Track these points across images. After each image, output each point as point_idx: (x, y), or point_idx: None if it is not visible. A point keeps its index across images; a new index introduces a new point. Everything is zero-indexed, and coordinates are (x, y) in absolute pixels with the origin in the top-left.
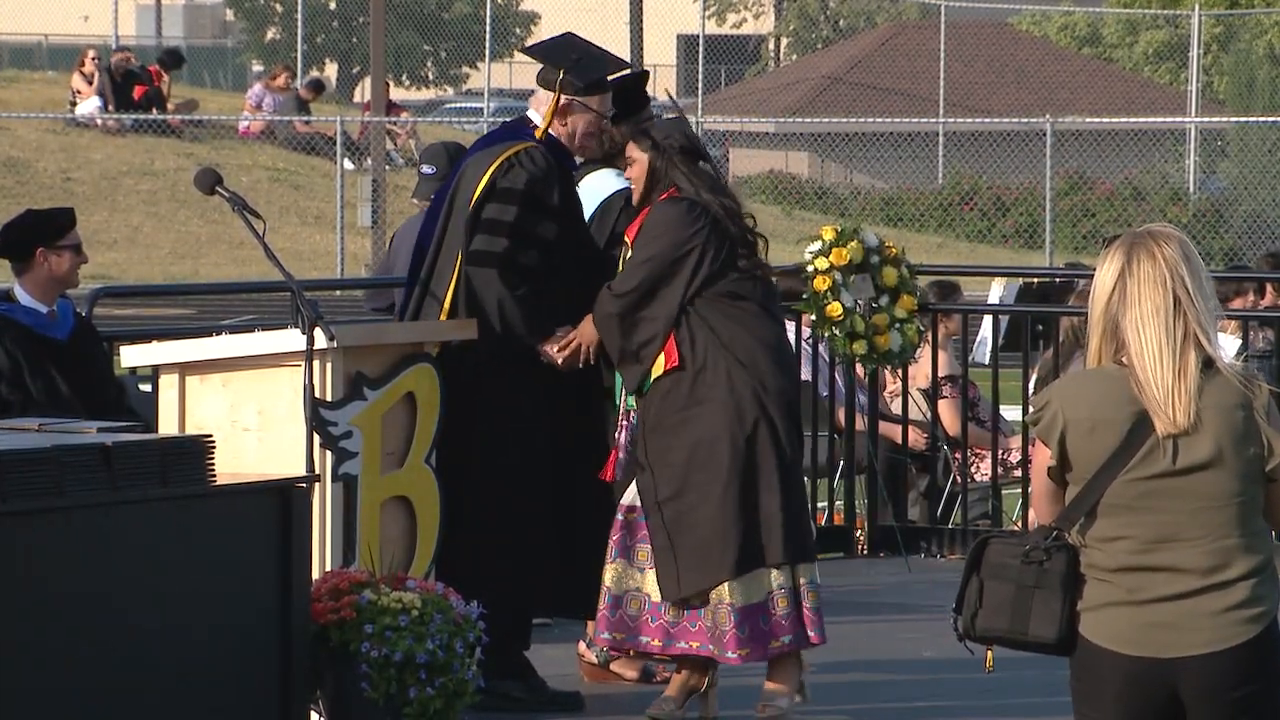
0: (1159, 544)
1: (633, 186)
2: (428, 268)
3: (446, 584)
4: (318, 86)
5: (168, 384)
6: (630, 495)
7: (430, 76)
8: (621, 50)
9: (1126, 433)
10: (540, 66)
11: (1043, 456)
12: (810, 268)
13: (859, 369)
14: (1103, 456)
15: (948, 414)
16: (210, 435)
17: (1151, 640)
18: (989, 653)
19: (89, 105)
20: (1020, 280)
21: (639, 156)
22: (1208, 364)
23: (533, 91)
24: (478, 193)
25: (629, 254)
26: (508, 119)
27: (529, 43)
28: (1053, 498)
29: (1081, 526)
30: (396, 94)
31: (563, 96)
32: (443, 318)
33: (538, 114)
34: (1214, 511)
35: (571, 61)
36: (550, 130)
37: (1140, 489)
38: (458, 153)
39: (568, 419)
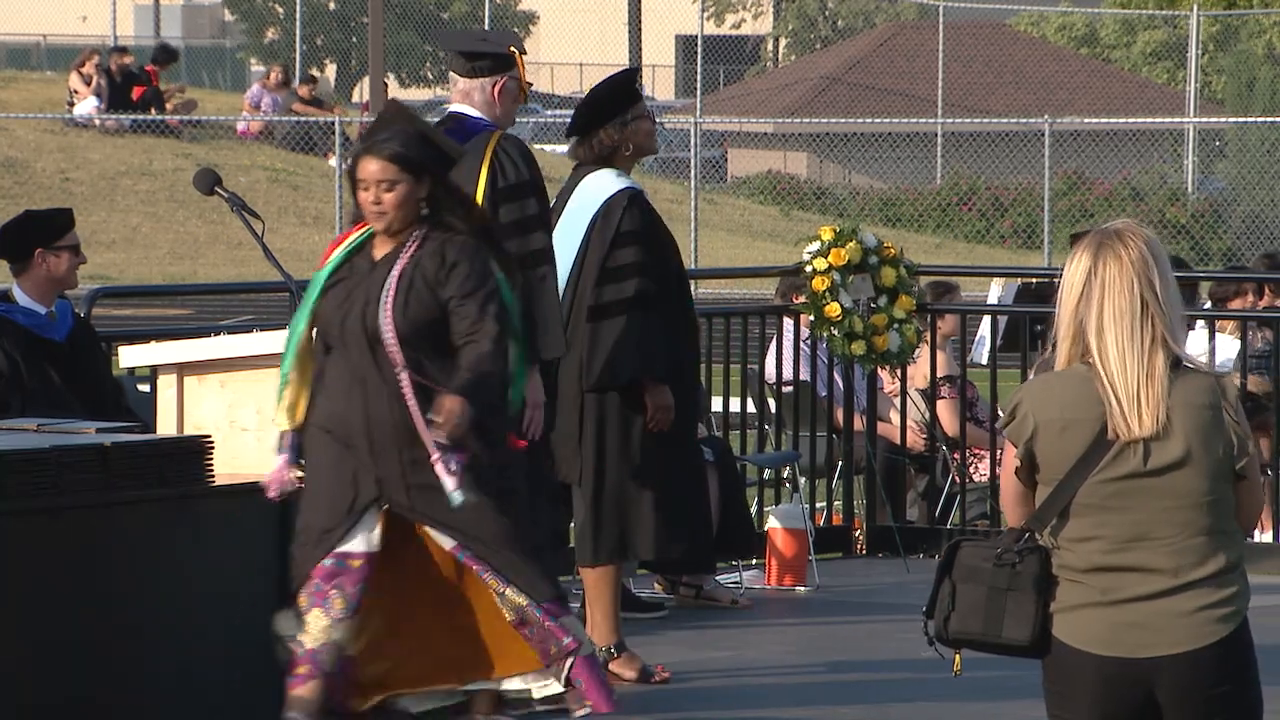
0: (1131, 544)
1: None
2: None
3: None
4: (311, 79)
5: (166, 384)
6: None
7: (429, 76)
8: (620, 51)
9: (1097, 433)
10: (453, 62)
11: (1011, 458)
12: (809, 268)
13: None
14: (1074, 457)
15: (946, 414)
16: (208, 435)
17: (1125, 640)
18: (957, 656)
19: (87, 105)
20: (1019, 280)
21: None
22: (1175, 364)
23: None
24: (479, 196)
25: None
26: (444, 123)
27: (528, 43)
28: (1022, 500)
29: (1053, 528)
30: (395, 94)
31: (500, 80)
32: None
33: (469, 106)
34: (1185, 511)
35: (482, 41)
36: (477, 111)
37: (1111, 489)
38: None
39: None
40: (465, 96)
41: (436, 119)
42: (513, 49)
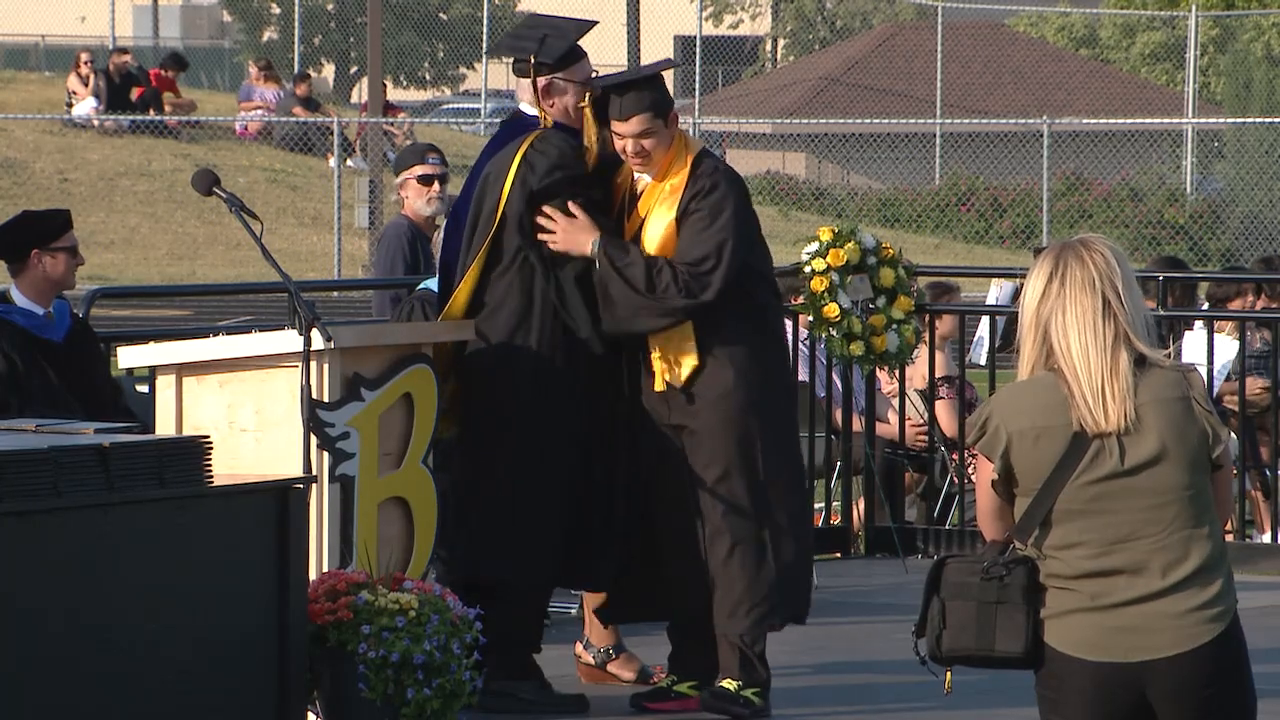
0: (1116, 546)
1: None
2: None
3: (466, 564)
4: (304, 77)
5: (165, 385)
6: None
7: (428, 77)
8: (618, 51)
9: (1071, 437)
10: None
11: (987, 472)
12: (807, 268)
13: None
14: (1051, 464)
15: (945, 415)
16: (207, 436)
17: (1117, 644)
18: (948, 674)
19: (85, 106)
20: (1017, 281)
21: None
22: (1140, 361)
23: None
24: (504, 197)
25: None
26: (504, 119)
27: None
28: (1001, 514)
29: (1037, 537)
30: (394, 94)
31: (540, 80)
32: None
33: (527, 104)
34: (1167, 507)
35: (537, 43)
36: (543, 114)
37: (1092, 492)
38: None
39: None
40: (524, 95)
41: (433, 118)
42: (534, 59)
